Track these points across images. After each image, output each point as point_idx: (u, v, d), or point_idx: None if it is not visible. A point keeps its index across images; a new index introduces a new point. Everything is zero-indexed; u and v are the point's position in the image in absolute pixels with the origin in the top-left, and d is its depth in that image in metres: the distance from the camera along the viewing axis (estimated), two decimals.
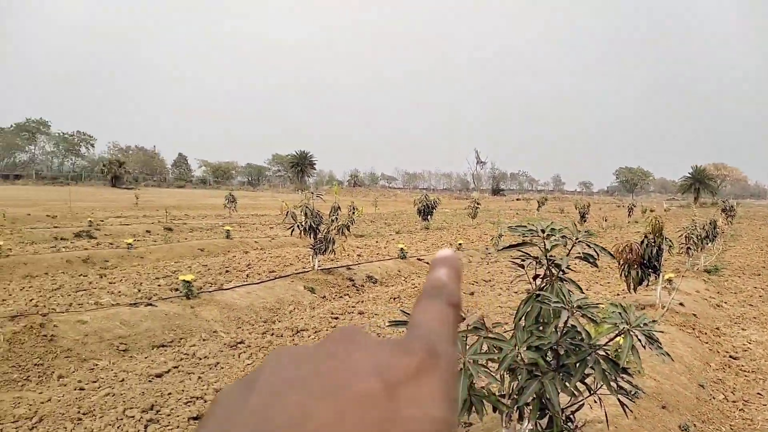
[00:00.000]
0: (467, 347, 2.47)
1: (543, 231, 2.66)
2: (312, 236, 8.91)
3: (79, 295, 6.93)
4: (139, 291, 7.20)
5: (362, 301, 7.48)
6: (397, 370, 0.29)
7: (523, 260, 2.82)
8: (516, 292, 8.03)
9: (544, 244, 2.66)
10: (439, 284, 0.36)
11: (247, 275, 8.65)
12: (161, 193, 48.08)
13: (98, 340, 5.09)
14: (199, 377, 4.42)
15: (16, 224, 14.10)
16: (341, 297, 7.77)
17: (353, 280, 8.57)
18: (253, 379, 0.30)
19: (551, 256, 2.71)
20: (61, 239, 12.04)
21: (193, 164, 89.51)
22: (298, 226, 8.94)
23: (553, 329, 2.54)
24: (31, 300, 6.57)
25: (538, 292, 2.66)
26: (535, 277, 2.78)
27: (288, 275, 8.38)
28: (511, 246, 2.72)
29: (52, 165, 76.67)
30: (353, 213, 13.16)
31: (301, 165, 76.94)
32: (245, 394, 0.29)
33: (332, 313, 6.66)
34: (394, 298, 7.66)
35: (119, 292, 7.14)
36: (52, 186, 53.97)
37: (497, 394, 2.74)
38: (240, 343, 5.34)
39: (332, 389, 0.28)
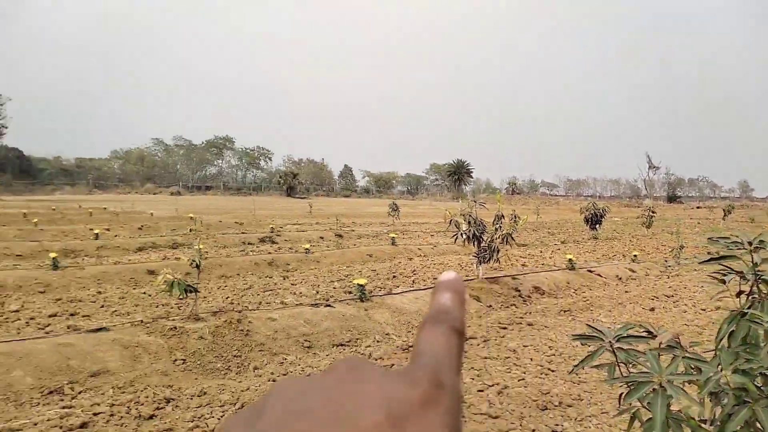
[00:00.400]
0: (663, 367, 2.33)
1: (750, 243, 2.42)
2: (476, 244, 8.92)
3: (267, 295, 7.64)
4: (317, 293, 7.75)
5: (530, 313, 7.32)
6: (402, 402, 0.29)
7: (724, 275, 2.59)
8: (704, 310, 7.31)
9: (752, 258, 2.42)
10: (443, 309, 0.35)
11: (413, 281, 8.90)
12: (330, 201, 51.22)
13: (286, 337, 5.58)
14: None
15: (210, 230, 15.92)
16: (507, 307, 7.67)
17: (519, 290, 8.41)
18: (260, 408, 0.30)
19: (759, 271, 2.45)
20: (248, 244, 13.37)
21: (357, 175, 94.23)
22: (461, 234, 9.01)
23: (767, 353, 2.29)
24: (227, 298, 7.39)
25: (744, 311, 2.42)
26: (739, 293, 2.54)
27: None
28: (712, 259, 2.51)
29: (237, 177, 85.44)
30: (515, 221, 12.92)
31: (458, 173, 77.25)
32: (251, 424, 0.29)
33: (500, 323, 6.61)
34: (565, 311, 7.38)
35: (300, 293, 7.75)
36: (237, 196, 60.20)
37: (696, 419, 2.54)
38: (411, 347, 5.51)
39: (338, 422, 0.27)
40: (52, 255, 8.56)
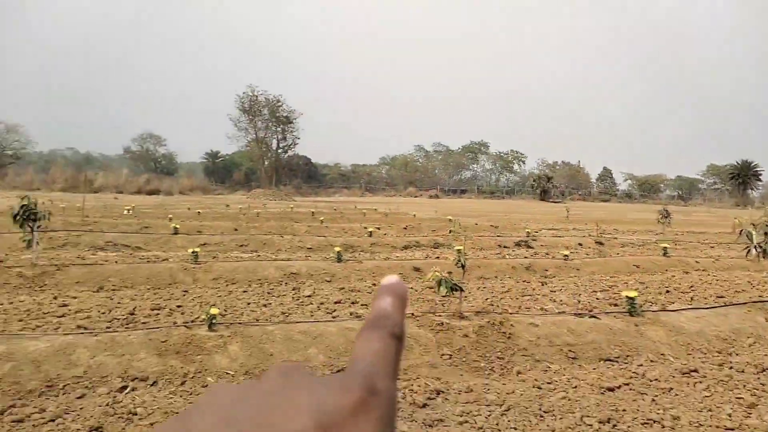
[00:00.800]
0: None
1: None
2: None
3: (525, 300, 7.59)
4: (579, 302, 7.42)
5: None
6: (333, 409, 0.28)
7: None
8: None
9: None
10: (383, 314, 0.35)
11: (692, 298, 7.93)
12: (587, 206, 48.73)
13: (548, 344, 5.46)
14: (653, 399, 4.25)
15: (467, 232, 16.41)
16: None
17: None
18: (187, 418, 0.30)
19: None
20: (504, 247, 13.45)
21: (618, 178, 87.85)
22: (755, 247, 7.75)
23: None
24: (486, 299, 7.53)
25: None
26: None
27: (743, 303, 7.31)
28: None
29: (490, 180, 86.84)
30: None
31: (742, 177, 66.67)
32: None
33: None
34: None
35: (560, 300, 7.51)
36: (490, 199, 61.19)
37: None
38: (693, 371, 4.91)
39: (266, 431, 0.27)
40: (336, 249, 9.75)
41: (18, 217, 7.99)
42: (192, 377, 4.51)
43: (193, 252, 8.89)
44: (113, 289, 7.44)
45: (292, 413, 0.29)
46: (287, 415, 0.29)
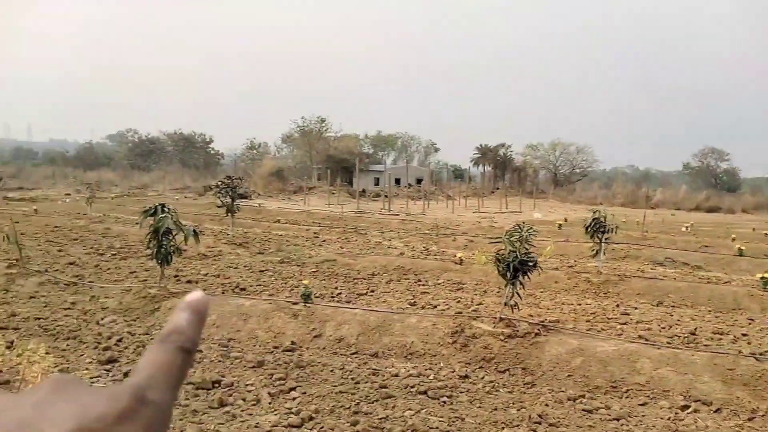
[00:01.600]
0: None
1: None
2: None
3: None
4: None
5: None
6: (96, 417, 0.28)
7: None
8: None
9: None
10: (176, 329, 0.35)
11: None
12: None
13: None
14: None
15: None
16: None
17: None
18: None
19: None
20: None
21: None
22: None
23: None
24: None
25: None
26: None
27: None
28: None
29: None
30: None
31: None
32: None
33: None
34: None
35: None
36: None
37: None
38: None
39: None
40: None
41: (589, 229, 8.96)
42: (763, 415, 4.07)
43: (762, 278, 7.94)
44: (672, 306, 7.43)
45: (54, 421, 0.29)
46: (49, 422, 0.29)
